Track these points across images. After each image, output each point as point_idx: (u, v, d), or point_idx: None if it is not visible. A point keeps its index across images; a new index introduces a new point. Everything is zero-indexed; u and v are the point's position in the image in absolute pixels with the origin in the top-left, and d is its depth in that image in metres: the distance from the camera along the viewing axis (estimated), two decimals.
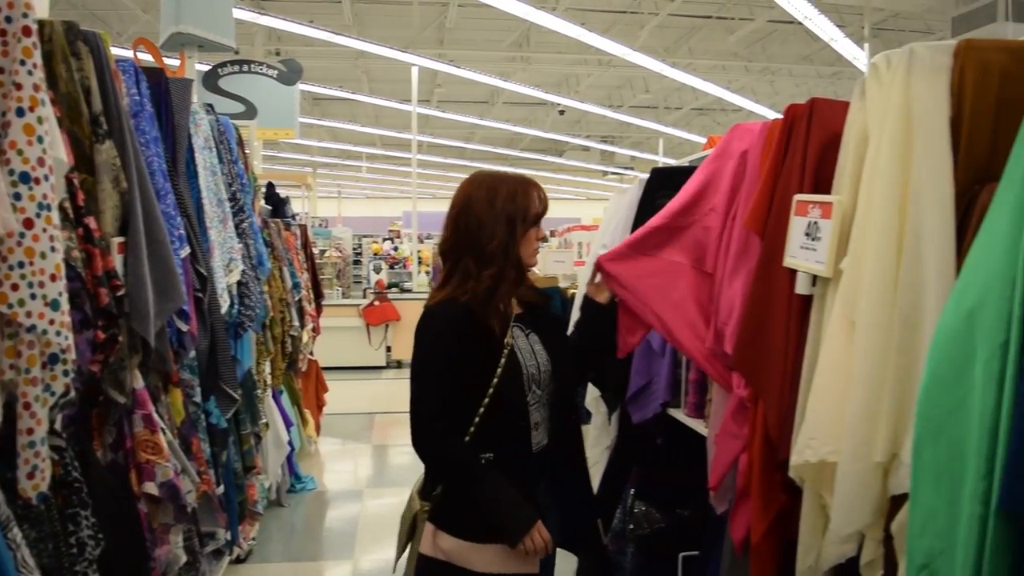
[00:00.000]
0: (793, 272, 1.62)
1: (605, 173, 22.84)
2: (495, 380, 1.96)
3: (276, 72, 10.41)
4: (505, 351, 1.99)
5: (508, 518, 1.90)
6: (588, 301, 2.26)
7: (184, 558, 2.45)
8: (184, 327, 2.56)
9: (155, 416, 2.30)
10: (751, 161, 1.92)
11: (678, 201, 2.12)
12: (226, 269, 3.21)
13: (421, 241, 13.89)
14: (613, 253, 2.19)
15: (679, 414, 2.49)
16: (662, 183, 2.74)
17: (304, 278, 5.65)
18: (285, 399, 5.27)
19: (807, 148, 1.62)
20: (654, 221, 2.14)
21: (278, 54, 11.79)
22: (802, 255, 1.57)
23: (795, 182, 1.64)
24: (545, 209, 2.08)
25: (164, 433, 2.33)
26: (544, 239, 2.09)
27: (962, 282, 1.10)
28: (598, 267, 2.21)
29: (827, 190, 1.55)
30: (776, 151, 1.72)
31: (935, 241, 1.27)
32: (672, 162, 14.71)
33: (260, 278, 3.85)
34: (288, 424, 5.01)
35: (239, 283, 3.39)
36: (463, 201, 2.04)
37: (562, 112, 16.58)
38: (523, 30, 12.02)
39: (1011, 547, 1.00)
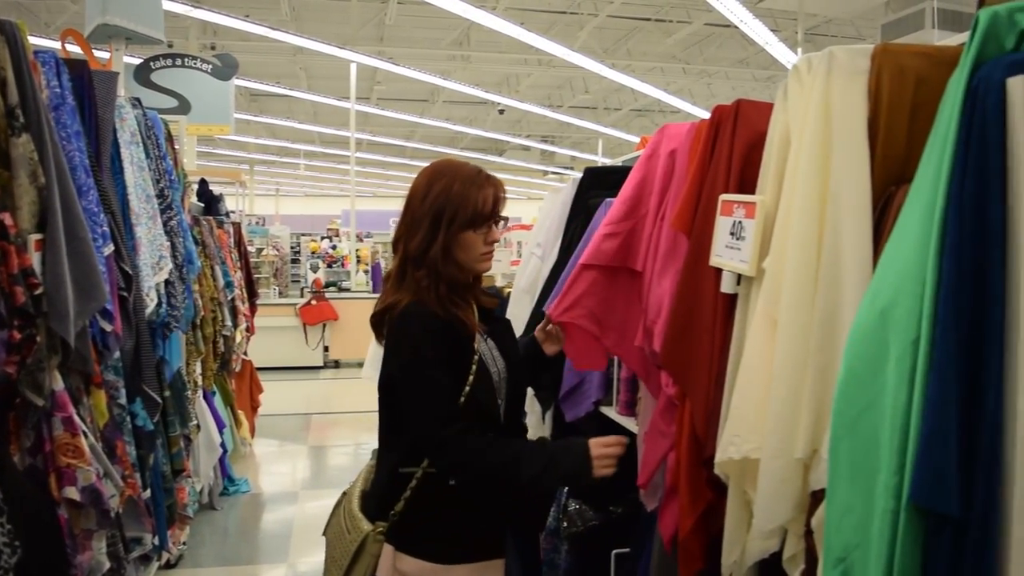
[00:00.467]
0: (719, 271, 1.64)
1: (545, 173, 22.94)
2: (467, 388, 1.82)
3: (210, 67, 10.20)
4: (476, 357, 1.85)
5: (565, 465, 1.79)
6: (533, 344, 2.18)
7: (107, 564, 2.38)
8: (108, 327, 2.49)
9: (76, 419, 2.22)
10: (679, 161, 1.93)
11: (617, 208, 2.11)
12: (155, 267, 3.13)
13: (361, 240, 13.76)
14: (564, 300, 2.12)
15: (611, 412, 2.51)
16: (594, 183, 2.76)
17: (237, 277, 5.56)
18: (218, 400, 5.17)
19: (732, 148, 1.64)
20: (600, 231, 2.11)
21: (213, 48, 11.56)
22: (727, 254, 1.59)
23: (721, 182, 1.66)
24: (495, 209, 1.88)
25: (86, 436, 2.26)
26: (492, 242, 1.93)
27: (876, 281, 1.13)
28: (553, 322, 2.14)
29: (752, 190, 1.58)
30: (703, 152, 1.74)
31: (853, 241, 1.29)
32: (609, 162, 14.86)
33: (189, 277, 3.76)
34: (220, 426, 4.92)
35: (166, 282, 3.31)
36: (410, 192, 1.90)
37: (502, 111, 16.60)
38: (463, 28, 11.99)
39: (921, 541, 1.03)
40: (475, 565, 1.85)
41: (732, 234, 1.58)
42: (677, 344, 1.69)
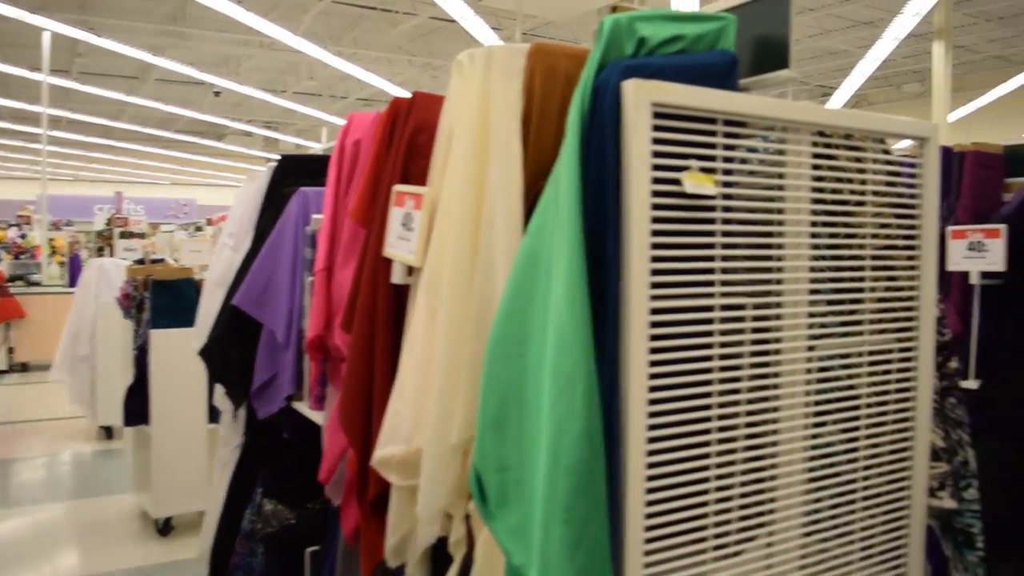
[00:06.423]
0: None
1: (268, 160, 22.08)
2: None
3: None
4: None
5: None
6: None
7: None
8: None
9: None
10: (363, 151, 1.91)
11: (328, 207, 2.04)
12: None
13: (58, 228, 12.50)
14: None
15: (303, 407, 2.44)
16: (292, 171, 2.67)
17: None
18: None
19: (404, 140, 1.64)
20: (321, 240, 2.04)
21: None
22: (399, 245, 1.59)
23: (397, 173, 1.65)
24: None
25: None
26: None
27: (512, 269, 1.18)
28: None
29: (417, 181, 1.58)
30: (379, 143, 1.73)
31: (505, 233, 1.33)
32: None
33: None
34: None
35: None
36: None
37: (217, 94, 15.77)
38: (178, 3, 11.24)
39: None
40: None
41: (404, 225, 1.58)
42: (350, 335, 1.66)
